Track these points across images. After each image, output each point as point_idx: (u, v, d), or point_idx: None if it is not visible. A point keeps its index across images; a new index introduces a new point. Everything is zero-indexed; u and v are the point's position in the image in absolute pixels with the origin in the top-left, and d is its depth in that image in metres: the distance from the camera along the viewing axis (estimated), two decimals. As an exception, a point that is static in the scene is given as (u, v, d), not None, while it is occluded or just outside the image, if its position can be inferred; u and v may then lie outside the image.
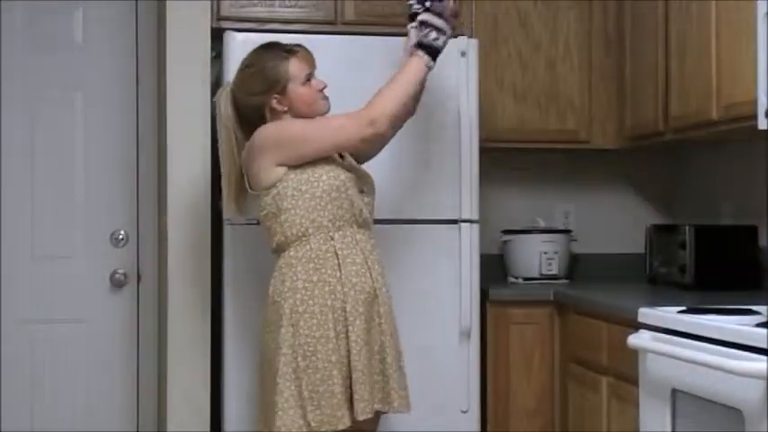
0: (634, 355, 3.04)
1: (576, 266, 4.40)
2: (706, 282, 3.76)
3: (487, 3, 4.15)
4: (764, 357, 2.38)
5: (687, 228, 3.86)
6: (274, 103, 3.13)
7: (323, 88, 3.20)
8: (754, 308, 2.85)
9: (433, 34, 3.22)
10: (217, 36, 3.78)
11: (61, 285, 4.14)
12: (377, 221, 3.41)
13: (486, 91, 4.00)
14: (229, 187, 3.22)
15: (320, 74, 3.70)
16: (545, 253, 4.24)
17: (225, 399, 3.66)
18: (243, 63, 3.22)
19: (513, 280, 4.30)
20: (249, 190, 3.14)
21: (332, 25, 3.96)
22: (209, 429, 3.77)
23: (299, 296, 3.03)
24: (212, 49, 3.82)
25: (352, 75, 3.71)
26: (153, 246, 4.16)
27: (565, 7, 4.21)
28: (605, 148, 4.28)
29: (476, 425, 3.77)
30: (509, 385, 3.89)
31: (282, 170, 3.06)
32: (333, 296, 3.03)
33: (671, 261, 3.94)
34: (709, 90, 3.46)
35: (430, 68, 3.23)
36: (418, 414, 3.37)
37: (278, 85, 3.13)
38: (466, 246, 3.73)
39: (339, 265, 3.05)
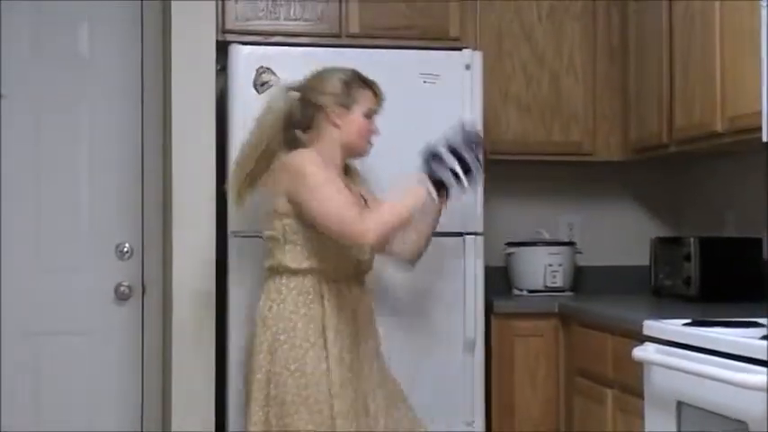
0: (639, 367, 3.04)
1: (581, 279, 4.40)
2: (711, 294, 3.76)
3: (492, 15, 4.16)
4: (770, 370, 2.38)
5: (692, 240, 3.86)
6: (335, 112, 3.16)
7: (376, 132, 3.24)
8: (760, 320, 2.85)
9: (447, 173, 3.11)
10: (222, 49, 3.79)
11: (66, 298, 4.14)
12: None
13: (490, 103, 4.00)
14: (239, 180, 3.22)
15: (325, 87, 3.71)
16: (549, 265, 4.24)
17: (229, 412, 3.65)
18: (326, 67, 3.23)
19: (517, 292, 4.30)
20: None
21: (336, 38, 3.97)
22: (214, 443, 3.77)
23: (281, 325, 3.05)
24: (217, 62, 3.83)
25: (356, 87, 3.71)
26: (158, 258, 4.17)
27: (569, 20, 4.22)
28: (609, 161, 4.28)
29: (481, 437, 3.77)
30: (514, 397, 3.89)
31: (291, 205, 3.07)
32: (316, 334, 3.04)
33: (676, 273, 3.93)
34: (713, 102, 3.46)
35: (438, 201, 3.15)
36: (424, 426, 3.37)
37: (348, 99, 3.18)
38: (470, 258, 3.73)
39: (325, 310, 3.07)
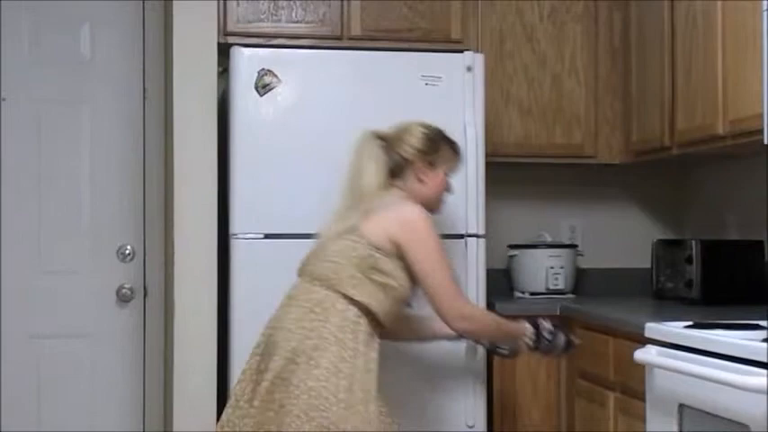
0: (641, 369, 3.04)
1: (583, 281, 4.40)
2: (712, 296, 3.75)
3: (494, 17, 4.16)
4: (771, 372, 2.38)
5: (693, 242, 3.86)
6: (422, 167, 3.22)
7: (451, 190, 3.32)
8: (761, 323, 2.84)
9: (545, 342, 3.31)
10: (223, 51, 3.79)
11: (67, 300, 4.14)
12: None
13: (491, 105, 4.00)
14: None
15: (326, 89, 3.73)
16: (551, 268, 4.23)
17: (231, 414, 3.65)
18: (410, 121, 3.28)
19: (519, 294, 4.30)
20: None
21: (338, 40, 3.97)
22: (215, 445, 3.77)
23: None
24: (219, 64, 3.83)
25: (358, 89, 3.72)
26: (160, 261, 4.17)
27: (571, 22, 4.22)
28: (611, 163, 4.28)
29: (482, 440, 3.77)
30: (515, 400, 3.89)
31: (389, 248, 3.06)
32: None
33: (677, 276, 3.93)
34: (715, 104, 3.46)
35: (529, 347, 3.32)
36: (425, 428, 3.37)
37: (435, 158, 3.24)
38: (472, 260, 3.73)
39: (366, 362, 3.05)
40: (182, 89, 3.80)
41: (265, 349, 3.06)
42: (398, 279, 3.09)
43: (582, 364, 3.70)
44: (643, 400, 3.05)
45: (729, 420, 2.55)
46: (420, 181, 3.23)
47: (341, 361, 2.97)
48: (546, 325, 3.32)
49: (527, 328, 3.29)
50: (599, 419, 3.49)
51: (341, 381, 2.95)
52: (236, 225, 3.66)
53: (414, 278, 3.10)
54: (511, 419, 3.88)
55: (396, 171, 3.22)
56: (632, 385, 3.19)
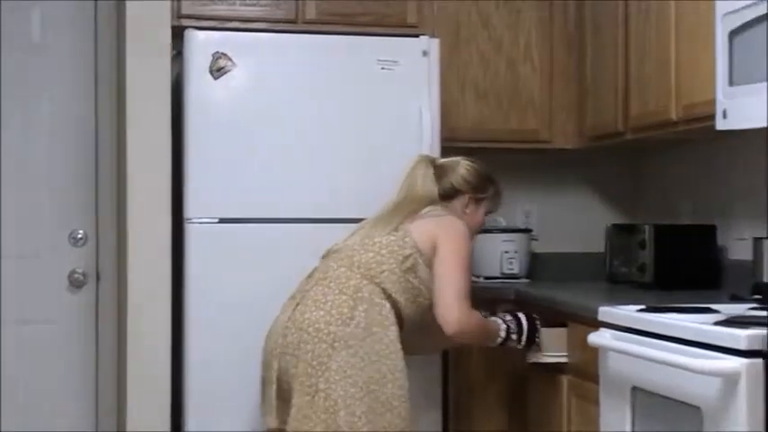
0: (595, 353, 3.06)
1: (537, 266, 4.42)
2: (665, 281, 3.78)
3: (450, 3, 4.15)
4: (722, 355, 2.40)
5: (646, 227, 3.89)
6: (469, 201, 3.41)
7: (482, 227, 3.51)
8: (713, 306, 2.87)
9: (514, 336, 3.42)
10: (177, 34, 3.76)
11: (18, 285, 4.09)
12: (335, 220, 3.45)
13: (447, 90, 4.00)
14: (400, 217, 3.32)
15: (281, 73, 3.71)
16: (506, 252, 4.25)
17: (186, 398, 3.63)
18: (465, 158, 3.45)
19: (474, 279, 4.29)
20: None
21: (293, 24, 3.95)
22: (169, 428, 3.75)
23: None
24: (173, 47, 3.80)
25: (313, 73, 3.71)
26: (112, 245, 4.13)
27: (526, 8, 4.23)
28: (566, 148, 4.30)
29: (439, 424, 3.77)
30: (471, 384, 3.90)
31: (429, 254, 3.20)
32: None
33: (631, 260, 3.96)
34: (668, 90, 3.48)
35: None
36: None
37: (483, 195, 3.44)
38: (427, 245, 3.73)
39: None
40: (135, 72, 3.76)
41: (294, 323, 3.14)
42: (429, 290, 3.22)
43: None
44: (597, 383, 3.07)
45: (681, 403, 2.57)
46: (464, 213, 3.38)
47: (368, 354, 3.08)
48: (510, 317, 3.42)
49: (500, 325, 3.38)
50: (553, 402, 3.51)
51: (373, 374, 3.07)
52: (190, 209, 3.64)
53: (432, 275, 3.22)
54: (467, 403, 3.90)
55: (444, 198, 3.38)
56: (586, 368, 3.21)
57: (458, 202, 3.40)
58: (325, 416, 3.03)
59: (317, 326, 3.09)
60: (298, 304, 3.17)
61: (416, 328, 3.31)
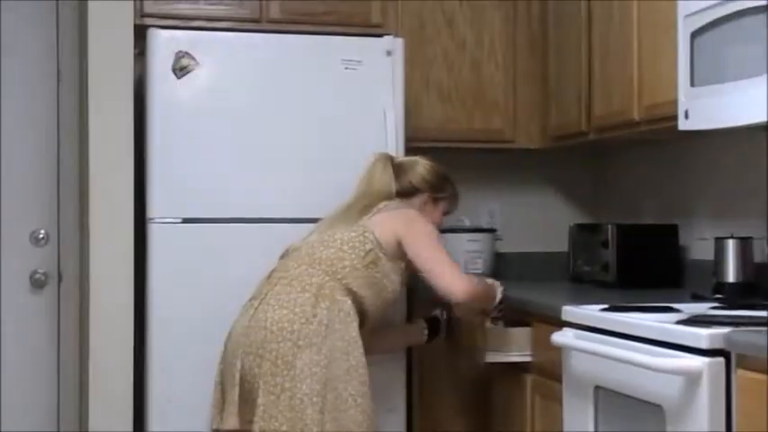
0: (558, 352, 3.07)
1: (501, 265, 4.42)
2: (628, 280, 3.81)
3: (414, 2, 4.15)
4: (684, 354, 2.42)
5: (609, 227, 3.91)
6: (428, 200, 3.44)
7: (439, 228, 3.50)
8: (675, 305, 2.89)
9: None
10: (140, 33, 3.73)
11: (-21, 286, 4.05)
12: (300, 220, 3.44)
13: (411, 90, 4.00)
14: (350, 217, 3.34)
15: (245, 72, 3.70)
16: (470, 252, 4.26)
17: (148, 400, 3.61)
18: (427, 158, 3.51)
19: (438, 279, 4.30)
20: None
21: (257, 23, 3.93)
22: (131, 430, 3.72)
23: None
24: (135, 46, 3.77)
25: (277, 73, 3.70)
26: (75, 245, 4.10)
27: (490, 7, 4.23)
28: (530, 148, 4.31)
29: (402, 424, 3.77)
30: (435, 384, 3.90)
31: (391, 248, 3.23)
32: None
33: (594, 260, 3.98)
34: (630, 91, 3.50)
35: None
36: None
37: (442, 195, 3.47)
38: (392, 245, 3.73)
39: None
40: (97, 71, 3.73)
41: (257, 323, 3.13)
42: (392, 282, 3.26)
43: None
44: (560, 382, 3.09)
45: (644, 402, 2.59)
46: (422, 212, 3.38)
47: (332, 351, 3.09)
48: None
49: (493, 283, 3.49)
50: (517, 402, 3.52)
51: (336, 371, 3.08)
52: (153, 209, 3.62)
53: (415, 268, 3.27)
54: (430, 403, 3.90)
55: (403, 195, 3.40)
56: (550, 368, 3.22)
57: (416, 200, 3.42)
58: (291, 414, 3.03)
59: (280, 324, 3.09)
60: (260, 304, 3.16)
61: (379, 325, 3.34)
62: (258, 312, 3.15)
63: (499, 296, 3.45)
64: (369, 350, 3.27)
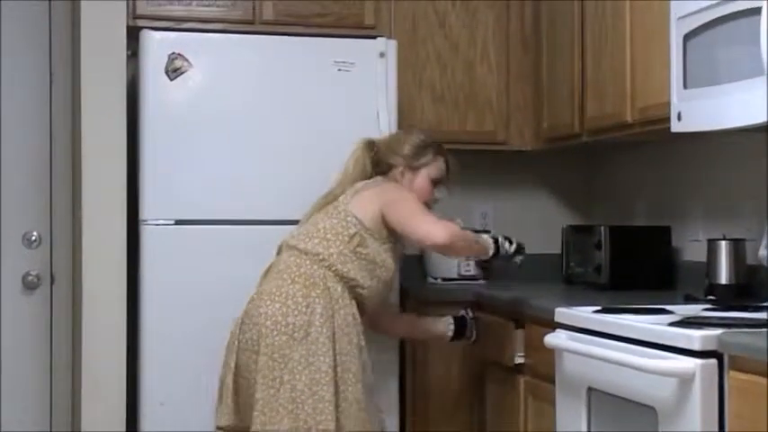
0: (551, 354, 3.07)
1: (494, 267, 4.42)
2: (621, 282, 3.81)
3: (406, 3, 4.15)
4: (677, 356, 2.42)
5: (602, 228, 3.91)
6: (404, 172, 3.40)
7: (437, 200, 3.47)
8: (668, 307, 2.90)
9: (507, 245, 3.51)
10: (133, 35, 3.73)
11: (-29, 288, 4.05)
12: (293, 222, 3.44)
13: (404, 91, 4.00)
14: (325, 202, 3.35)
15: (238, 74, 3.69)
16: (464, 253, 4.25)
17: (140, 401, 3.61)
18: (409, 129, 3.60)
19: (432, 281, 4.31)
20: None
21: (250, 25, 3.93)
22: (124, 430, 3.72)
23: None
24: (128, 48, 3.77)
25: (270, 75, 3.70)
26: (67, 247, 4.09)
27: (483, 8, 4.24)
28: (523, 150, 4.32)
29: (395, 425, 3.77)
30: (428, 385, 3.90)
31: (376, 226, 3.23)
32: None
33: (587, 261, 3.98)
34: (623, 92, 3.51)
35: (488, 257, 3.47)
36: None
37: (417, 163, 3.40)
38: (385, 246, 3.72)
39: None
40: (90, 73, 3.73)
41: (250, 318, 3.14)
42: (384, 260, 3.25)
43: (493, 349, 3.73)
44: (553, 383, 3.09)
45: (637, 403, 2.59)
46: (401, 182, 3.38)
47: (329, 339, 3.09)
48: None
49: (491, 245, 3.44)
50: (510, 403, 3.52)
51: (335, 356, 3.10)
52: (146, 211, 3.62)
53: (399, 234, 3.25)
54: (424, 404, 3.90)
55: (381, 173, 3.40)
56: (543, 369, 3.22)
57: (395, 173, 3.41)
58: (292, 406, 3.04)
59: (274, 318, 3.10)
60: (252, 300, 3.19)
61: (380, 305, 3.39)
62: (250, 307, 3.18)
63: (491, 251, 3.40)
64: (389, 332, 3.37)
